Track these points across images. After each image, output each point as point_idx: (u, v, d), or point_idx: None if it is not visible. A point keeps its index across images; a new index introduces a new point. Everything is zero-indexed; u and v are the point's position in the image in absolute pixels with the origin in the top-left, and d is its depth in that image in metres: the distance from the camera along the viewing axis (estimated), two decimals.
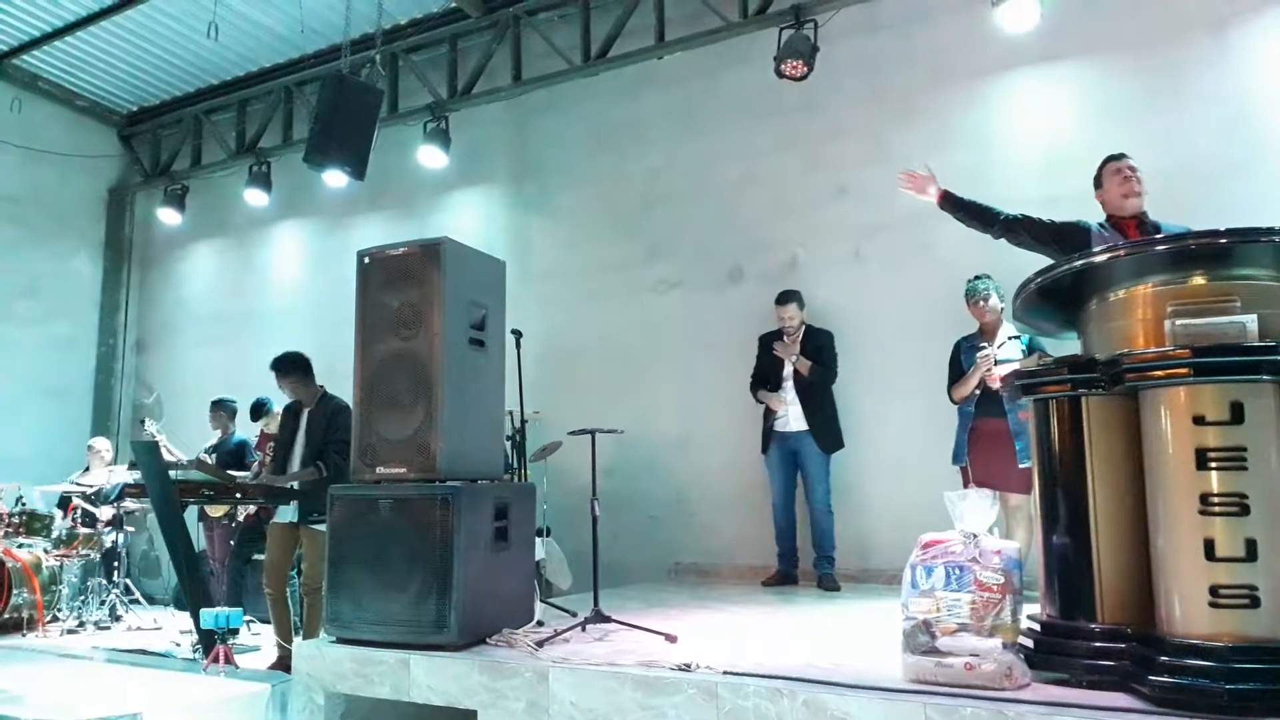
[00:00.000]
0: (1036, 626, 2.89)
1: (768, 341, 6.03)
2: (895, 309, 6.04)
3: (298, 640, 4.43)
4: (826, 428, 5.81)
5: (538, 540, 5.60)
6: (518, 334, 5.04)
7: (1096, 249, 3.01)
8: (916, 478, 5.43)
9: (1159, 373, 2.59)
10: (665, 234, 7.08)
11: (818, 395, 5.83)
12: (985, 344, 4.90)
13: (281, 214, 8.98)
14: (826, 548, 5.71)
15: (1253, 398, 2.50)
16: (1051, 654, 2.78)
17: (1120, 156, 3.89)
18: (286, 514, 5.07)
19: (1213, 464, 2.49)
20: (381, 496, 3.70)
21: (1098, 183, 3.92)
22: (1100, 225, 3.79)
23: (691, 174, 7.02)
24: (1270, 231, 2.59)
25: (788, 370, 5.87)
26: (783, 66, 5.99)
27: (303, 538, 4.97)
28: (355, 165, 6.55)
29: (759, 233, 6.70)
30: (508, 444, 5.62)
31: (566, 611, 4.25)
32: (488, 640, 3.61)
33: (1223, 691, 2.36)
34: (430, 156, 7.62)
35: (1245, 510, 2.45)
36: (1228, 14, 5.39)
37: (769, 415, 5.93)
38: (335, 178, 7.25)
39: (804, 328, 5.93)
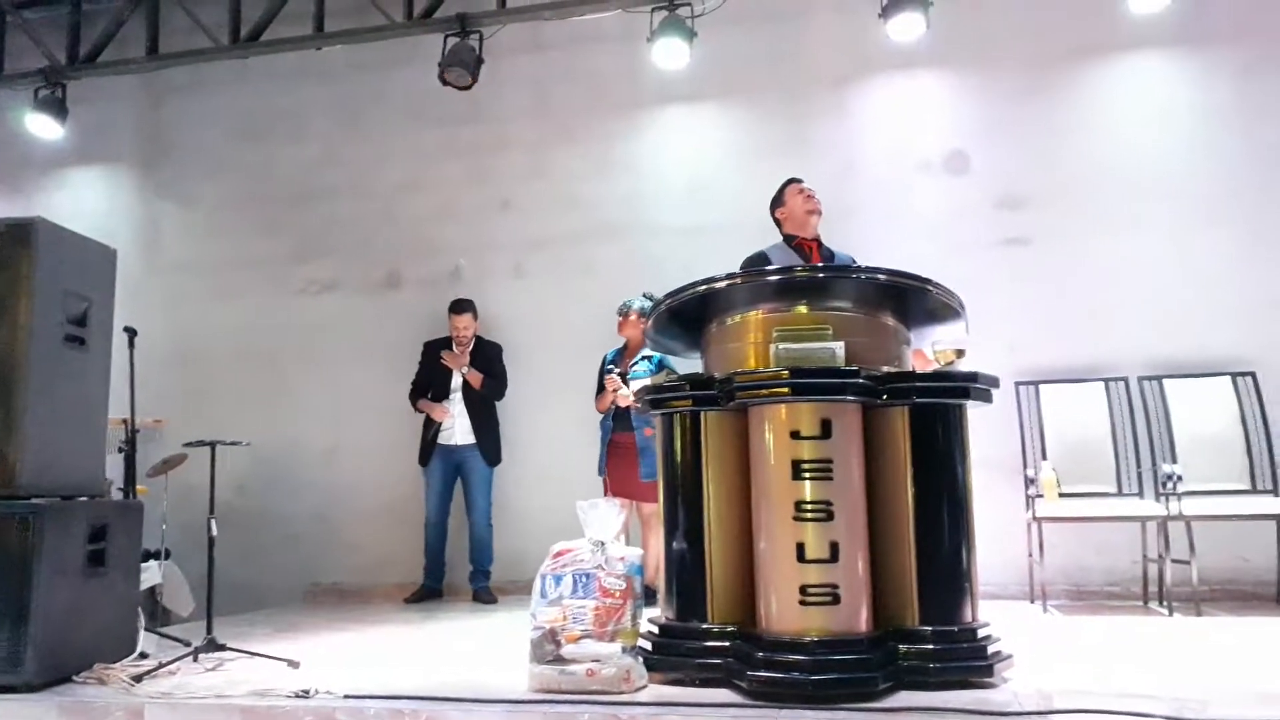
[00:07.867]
0: (655, 629, 3.04)
1: (434, 349, 5.88)
2: (556, 324, 6.12)
3: None
4: (492, 441, 5.78)
5: (153, 563, 5.06)
6: (131, 332, 4.46)
7: (719, 275, 3.24)
8: (573, 489, 5.49)
9: (764, 391, 2.84)
10: (318, 232, 6.70)
11: (485, 408, 5.79)
12: (612, 365, 5.16)
13: None
14: (484, 562, 5.68)
15: (839, 415, 2.82)
16: (668, 655, 2.93)
17: (799, 180, 4.13)
18: None
19: (806, 474, 2.77)
20: None
21: (779, 201, 4.14)
22: (779, 246, 4.00)
23: (351, 172, 6.72)
24: (856, 269, 2.95)
25: (457, 381, 5.76)
26: (447, 74, 5.91)
27: None
28: None
29: (421, 239, 6.55)
30: (120, 456, 4.98)
31: (180, 641, 3.85)
32: (74, 678, 3.18)
33: (809, 682, 2.61)
34: (41, 126, 6.63)
35: (830, 516, 2.75)
36: (847, 74, 6.07)
37: (429, 426, 5.78)
38: None
39: (474, 339, 5.87)
